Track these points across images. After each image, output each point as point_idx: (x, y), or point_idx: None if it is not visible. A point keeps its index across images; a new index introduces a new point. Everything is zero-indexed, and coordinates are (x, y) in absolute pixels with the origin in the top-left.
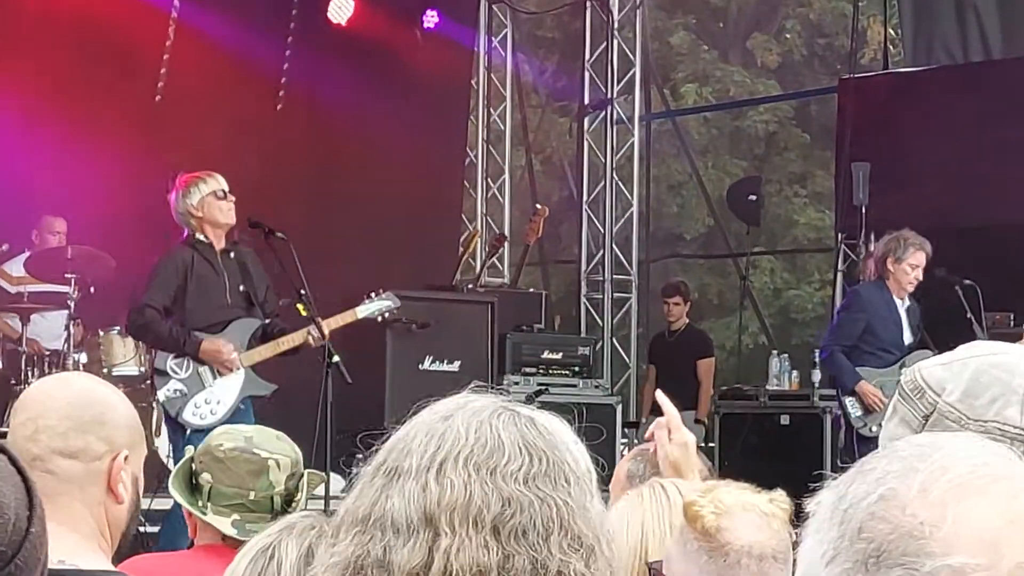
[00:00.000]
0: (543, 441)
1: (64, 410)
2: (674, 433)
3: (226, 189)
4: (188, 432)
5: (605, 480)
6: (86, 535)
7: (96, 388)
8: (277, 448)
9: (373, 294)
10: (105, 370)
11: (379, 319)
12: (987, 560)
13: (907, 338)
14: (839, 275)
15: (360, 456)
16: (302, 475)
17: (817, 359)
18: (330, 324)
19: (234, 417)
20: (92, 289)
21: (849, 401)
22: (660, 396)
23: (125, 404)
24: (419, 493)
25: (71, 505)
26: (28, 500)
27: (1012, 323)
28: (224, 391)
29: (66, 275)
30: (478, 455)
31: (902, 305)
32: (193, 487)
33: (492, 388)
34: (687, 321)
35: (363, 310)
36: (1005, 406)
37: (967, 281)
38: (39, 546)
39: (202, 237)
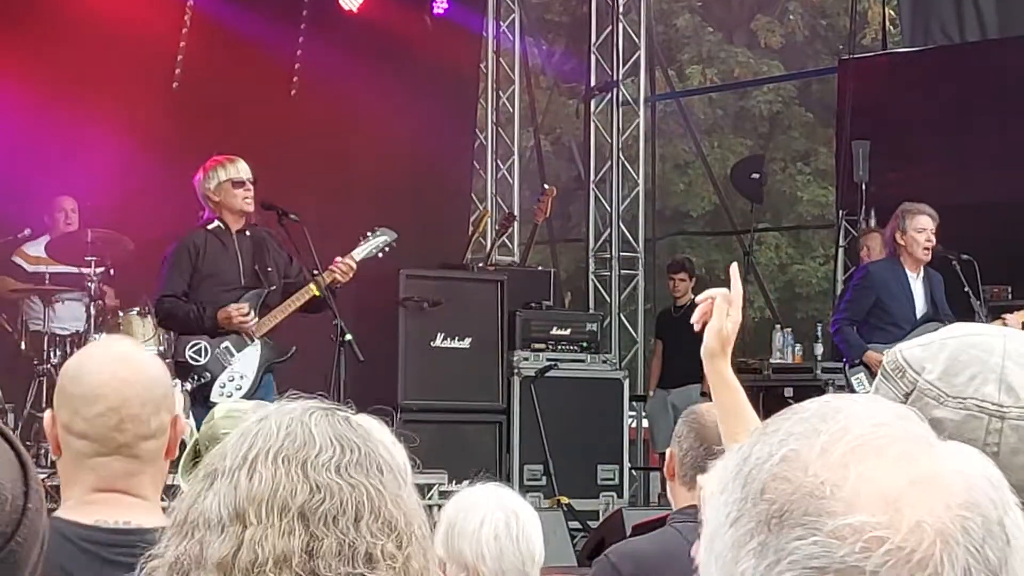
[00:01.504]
0: (355, 435)
1: (142, 396)
2: (734, 310)
3: (245, 178)
4: None
5: (614, 450)
6: (154, 500)
7: (148, 361)
8: None
9: (368, 233)
10: None
11: (379, 255)
12: (887, 519)
13: (920, 310)
14: (840, 251)
15: None
16: None
17: (820, 333)
18: (303, 296)
19: (258, 391)
20: (112, 271)
21: (855, 379)
22: (733, 269)
23: (163, 366)
24: (231, 490)
25: (145, 481)
26: (24, 477)
27: (1010, 296)
28: (246, 365)
29: (86, 258)
30: (288, 449)
31: (916, 278)
32: None
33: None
34: (692, 297)
35: (360, 251)
36: (983, 383)
37: (964, 256)
38: (37, 522)
39: (218, 222)
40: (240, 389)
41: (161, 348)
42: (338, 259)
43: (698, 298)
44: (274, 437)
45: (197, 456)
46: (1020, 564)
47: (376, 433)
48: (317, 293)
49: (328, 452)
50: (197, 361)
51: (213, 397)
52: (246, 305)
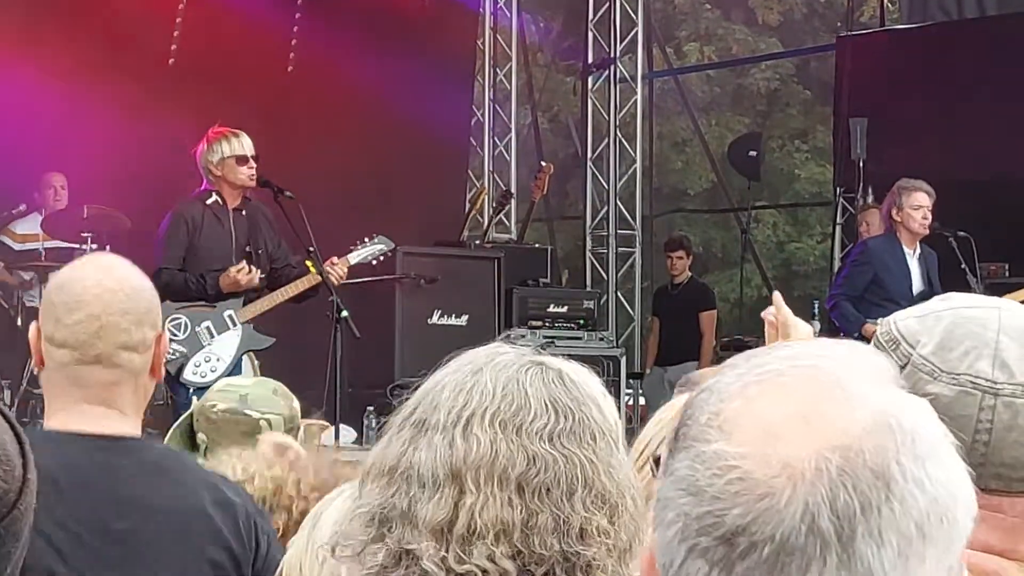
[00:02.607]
0: (569, 397)
1: (124, 304)
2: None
3: (249, 154)
4: (191, 390)
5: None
6: (134, 415)
7: (133, 274)
8: (270, 406)
9: (367, 239)
10: None
11: (373, 263)
12: (750, 450)
13: (916, 287)
14: (838, 228)
15: (371, 408)
16: (298, 428)
17: (816, 310)
18: (299, 287)
19: (232, 375)
20: (108, 248)
21: None
22: (776, 297)
23: (150, 283)
24: (446, 449)
25: (127, 393)
26: (20, 447)
27: (1007, 274)
28: (223, 349)
29: (82, 234)
30: (505, 412)
31: (913, 255)
32: (193, 444)
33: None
34: (690, 274)
35: (355, 256)
36: (977, 359)
37: (961, 233)
38: (32, 496)
39: (216, 197)
40: (215, 372)
41: None
42: (334, 260)
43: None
44: (490, 397)
45: (191, 430)
46: (904, 513)
47: (588, 388)
48: (312, 270)
49: (543, 419)
50: (175, 336)
51: (186, 376)
52: (243, 263)
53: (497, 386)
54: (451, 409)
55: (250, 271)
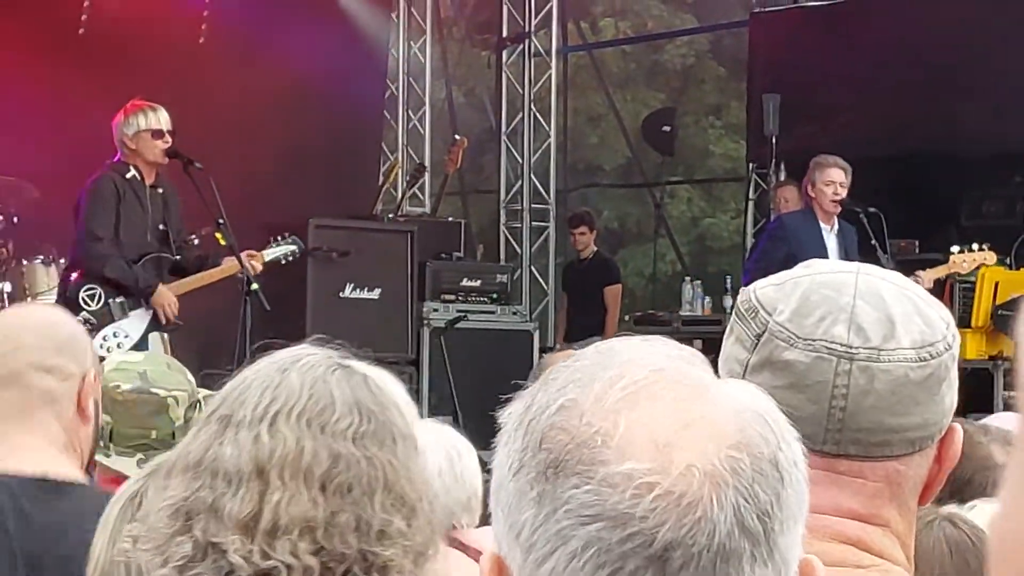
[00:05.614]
0: (373, 401)
1: (41, 329)
2: None
3: (165, 128)
4: None
5: None
6: (61, 449)
7: (61, 314)
8: (173, 382)
9: (279, 237)
10: (29, 299)
11: (283, 262)
12: (657, 464)
13: None
14: (750, 204)
15: None
16: (198, 402)
17: (729, 285)
18: (226, 271)
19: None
20: (16, 219)
21: None
22: None
23: (84, 331)
24: (251, 444)
25: (47, 420)
26: None
27: (917, 250)
28: (132, 326)
29: None
30: (311, 411)
31: (829, 231)
32: None
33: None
34: (595, 249)
35: (269, 253)
36: (833, 324)
37: (872, 209)
38: None
39: (134, 171)
40: (120, 348)
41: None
42: (252, 252)
43: None
44: (296, 395)
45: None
46: (795, 498)
47: (391, 393)
48: (222, 242)
49: (348, 420)
50: (87, 306)
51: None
52: (175, 303)
53: (304, 385)
54: (257, 405)
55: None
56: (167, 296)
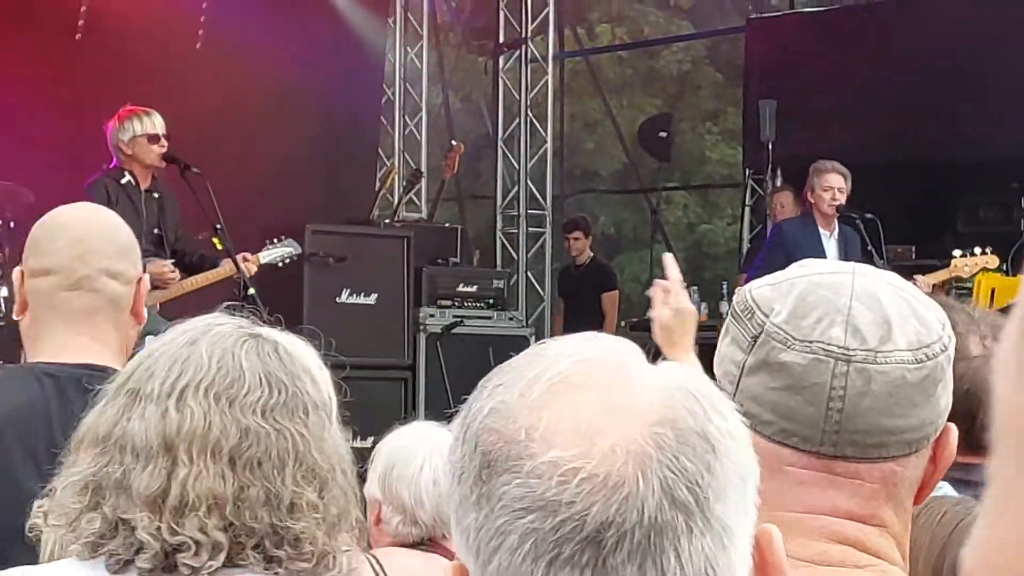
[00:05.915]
0: (284, 371)
1: (108, 234)
2: (672, 298)
3: (160, 133)
4: None
5: None
6: (115, 352)
7: (116, 216)
8: None
9: (276, 239)
10: None
11: (280, 264)
12: (581, 450)
13: None
14: (747, 210)
15: None
16: None
17: (726, 291)
18: (222, 274)
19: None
20: (11, 224)
21: None
22: (667, 258)
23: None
24: (159, 419)
25: (106, 325)
26: None
27: (913, 256)
28: None
29: None
30: (219, 384)
31: (829, 237)
32: None
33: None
34: (591, 255)
35: (265, 256)
36: (830, 326)
37: (868, 215)
38: None
39: (129, 176)
40: None
41: None
42: (247, 256)
43: (649, 291)
44: (205, 369)
45: None
46: (732, 467)
47: (303, 361)
48: (219, 247)
49: (256, 392)
50: None
51: None
52: (170, 263)
53: (212, 358)
54: (166, 379)
55: (173, 270)
56: (156, 268)
